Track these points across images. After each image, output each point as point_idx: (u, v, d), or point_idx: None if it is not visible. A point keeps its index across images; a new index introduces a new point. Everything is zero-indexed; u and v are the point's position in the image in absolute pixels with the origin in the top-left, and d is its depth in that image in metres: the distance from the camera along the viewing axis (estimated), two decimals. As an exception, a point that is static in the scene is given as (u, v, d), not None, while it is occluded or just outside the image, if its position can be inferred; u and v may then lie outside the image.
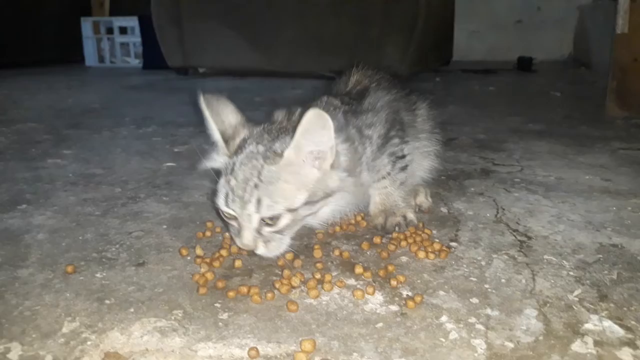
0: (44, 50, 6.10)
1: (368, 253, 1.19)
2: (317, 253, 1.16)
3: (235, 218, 1.10)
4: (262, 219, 1.08)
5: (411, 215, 1.31)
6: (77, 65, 6.32)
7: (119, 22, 6.30)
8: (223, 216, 1.13)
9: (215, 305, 0.97)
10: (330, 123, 1.04)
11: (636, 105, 2.84)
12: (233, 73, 4.78)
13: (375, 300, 0.99)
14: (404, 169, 1.34)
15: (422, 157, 1.46)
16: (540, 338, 0.87)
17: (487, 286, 1.04)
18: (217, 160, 1.18)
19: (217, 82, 4.49)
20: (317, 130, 1.05)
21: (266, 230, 1.09)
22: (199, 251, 1.17)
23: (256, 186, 1.06)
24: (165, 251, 1.20)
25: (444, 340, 0.87)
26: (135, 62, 6.32)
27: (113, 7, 6.82)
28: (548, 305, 0.97)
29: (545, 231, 1.31)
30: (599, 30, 4.87)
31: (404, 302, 0.98)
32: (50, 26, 6.12)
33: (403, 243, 1.21)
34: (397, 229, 1.28)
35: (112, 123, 2.71)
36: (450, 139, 2.28)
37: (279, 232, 1.11)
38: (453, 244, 1.24)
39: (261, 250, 1.10)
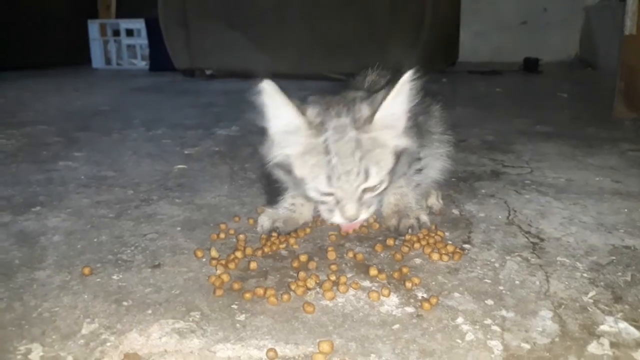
0: (51, 53, 6.13)
1: (382, 255, 1.20)
2: (331, 255, 1.17)
3: (330, 195, 1.13)
4: (366, 187, 1.12)
5: (424, 218, 1.31)
6: (84, 67, 6.35)
7: (125, 24, 6.33)
8: (311, 197, 1.16)
9: (232, 306, 0.98)
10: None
11: (645, 107, 2.84)
12: (240, 75, 4.79)
13: (391, 302, 0.99)
14: (419, 171, 1.35)
15: (435, 158, 1.47)
16: (557, 339, 0.88)
17: (501, 288, 1.05)
18: (296, 143, 1.14)
19: (224, 83, 4.50)
20: (405, 92, 1.10)
21: (367, 196, 1.14)
22: (214, 253, 1.18)
23: (361, 158, 1.09)
24: (180, 253, 1.21)
25: (460, 341, 0.87)
26: (142, 64, 6.34)
27: (120, 9, 6.86)
28: (563, 306, 0.98)
29: (558, 233, 1.32)
30: (606, 31, 4.87)
31: (419, 303, 0.98)
32: (56, 28, 6.15)
33: (416, 245, 1.21)
34: (410, 231, 1.29)
35: (121, 125, 2.73)
36: (459, 141, 2.27)
37: (379, 195, 1.17)
38: (466, 246, 1.24)
39: (363, 216, 1.15)
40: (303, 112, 1.12)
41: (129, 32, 6.38)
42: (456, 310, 0.96)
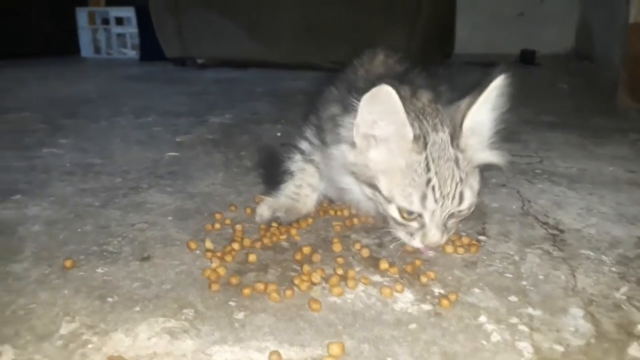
0: (38, 42, 5.94)
1: (391, 247, 1.10)
2: (337, 247, 1.08)
3: (414, 219, 1.01)
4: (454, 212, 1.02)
5: None
6: (72, 57, 6.18)
7: (115, 12, 6.16)
8: (392, 217, 1.03)
9: (230, 303, 0.88)
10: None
11: (649, 98, 2.77)
12: (232, 64, 4.67)
13: (405, 299, 0.90)
14: None
15: None
16: (592, 341, 0.79)
17: (524, 283, 0.96)
18: (396, 151, 1.00)
19: (216, 73, 4.38)
20: (493, 99, 1.00)
21: (451, 222, 1.04)
22: (208, 244, 1.07)
23: (460, 180, 1.00)
24: (171, 244, 1.11)
25: (485, 343, 0.78)
26: (132, 53, 6.18)
27: (109, -3, 6.69)
28: (594, 304, 0.89)
29: (577, 224, 1.23)
30: (603, 23, 4.79)
31: (437, 300, 0.89)
32: (44, 17, 5.97)
33: (429, 236, 1.12)
34: None
35: (109, 113, 2.61)
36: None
37: (462, 218, 1.07)
38: (482, 237, 1.15)
39: (444, 239, 1.03)
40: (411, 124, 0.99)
41: (119, 21, 6.21)
42: (478, 308, 0.87)
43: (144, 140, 2.04)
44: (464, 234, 1.15)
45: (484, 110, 1.01)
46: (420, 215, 1.00)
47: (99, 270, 0.99)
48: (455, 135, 1.01)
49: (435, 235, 1.00)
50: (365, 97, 0.95)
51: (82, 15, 6.20)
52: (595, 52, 5.01)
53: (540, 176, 1.60)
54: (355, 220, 1.22)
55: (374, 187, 1.03)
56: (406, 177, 0.99)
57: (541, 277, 0.98)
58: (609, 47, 4.38)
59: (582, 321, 0.84)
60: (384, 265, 0.99)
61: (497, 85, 0.99)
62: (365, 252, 1.06)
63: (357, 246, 1.08)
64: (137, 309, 0.86)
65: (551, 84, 3.80)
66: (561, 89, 3.57)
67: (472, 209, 1.06)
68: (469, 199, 1.01)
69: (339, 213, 1.28)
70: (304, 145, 1.25)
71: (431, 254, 1.07)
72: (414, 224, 1.02)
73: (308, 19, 4.45)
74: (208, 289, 0.92)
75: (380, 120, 0.98)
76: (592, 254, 1.08)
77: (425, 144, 0.99)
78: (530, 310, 0.87)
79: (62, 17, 6.11)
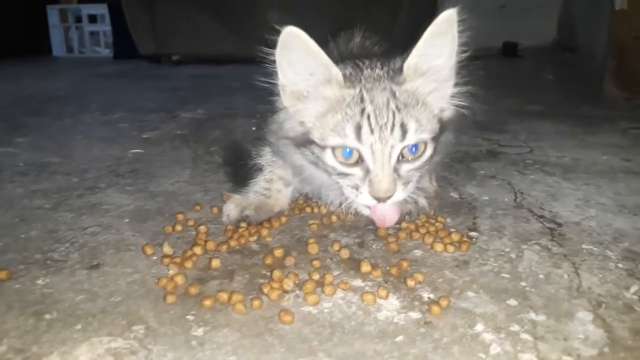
0: (7, 41, 5.71)
1: (374, 247, 0.99)
2: (313, 248, 0.96)
3: (356, 164, 0.90)
4: (401, 154, 0.90)
5: (423, 202, 1.11)
6: (44, 56, 5.97)
7: (87, 9, 5.96)
8: (331, 166, 0.92)
9: (187, 317, 0.76)
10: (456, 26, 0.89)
11: (636, 86, 2.69)
12: (208, 60, 4.52)
13: (391, 306, 0.78)
14: None
15: None
16: (606, 350, 0.69)
17: (523, 284, 0.85)
18: (326, 94, 0.92)
19: (192, 69, 4.23)
20: (445, 34, 0.89)
21: (404, 168, 0.91)
22: (167, 249, 0.95)
23: (398, 109, 0.89)
24: (125, 250, 0.98)
25: (484, 356, 0.67)
26: (106, 52, 5.99)
27: (81, -6, 6.48)
28: (603, 306, 0.78)
29: (575, 217, 1.13)
30: (586, 13, 4.74)
31: (426, 307, 0.78)
32: (13, 15, 5.75)
33: (415, 235, 1.01)
34: (407, 218, 1.08)
35: (75, 110, 2.45)
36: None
37: (419, 169, 0.93)
38: (473, 233, 1.04)
39: (399, 195, 0.91)
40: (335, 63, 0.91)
41: (92, 18, 6.01)
42: (473, 314, 0.76)
43: (108, 137, 1.90)
44: (453, 229, 1.04)
45: (431, 48, 0.90)
46: (361, 158, 0.89)
47: (39, 281, 0.86)
48: (395, 72, 0.92)
49: (383, 181, 0.88)
50: (277, 49, 0.87)
51: (53, 14, 5.99)
52: (579, 43, 4.96)
53: (531, 166, 1.50)
54: (334, 218, 1.10)
55: (310, 143, 0.93)
56: (338, 113, 0.90)
57: (541, 276, 0.87)
58: (593, 37, 4.32)
59: (592, 327, 0.74)
60: (365, 267, 0.88)
61: (442, 20, 0.88)
62: (344, 253, 0.94)
63: (336, 247, 0.97)
64: (79, 327, 0.74)
65: (536, 76, 3.73)
66: (546, 80, 3.50)
67: (432, 158, 0.95)
68: (414, 133, 0.89)
69: (315, 210, 1.16)
70: (272, 137, 1.12)
71: (389, 222, 0.94)
72: (357, 171, 0.91)
73: (287, 13, 4.32)
74: (163, 301, 0.79)
75: (300, 70, 0.90)
76: (595, 249, 0.97)
77: (359, 80, 0.91)
78: (532, 315, 0.76)
79: (33, 15, 5.90)
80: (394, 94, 0.89)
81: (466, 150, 1.67)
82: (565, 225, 1.09)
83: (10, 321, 0.75)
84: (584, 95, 2.80)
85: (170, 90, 3.10)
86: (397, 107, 0.89)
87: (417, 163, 0.92)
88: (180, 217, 1.11)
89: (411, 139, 0.89)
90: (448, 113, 0.96)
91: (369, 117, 0.88)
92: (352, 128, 0.88)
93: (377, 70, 0.93)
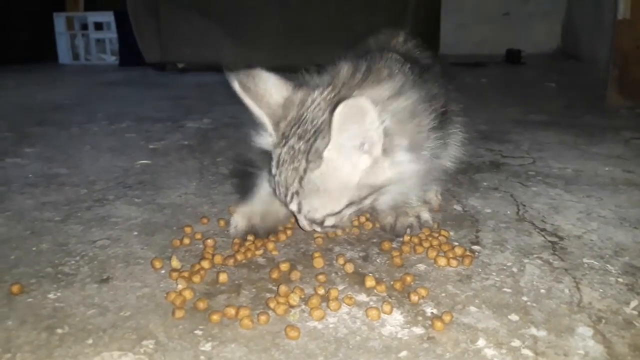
0: (14, 48, 5.76)
1: (378, 260, 1.01)
2: (318, 262, 0.97)
3: None
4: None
5: (426, 215, 1.12)
6: (50, 63, 6.01)
7: (93, 17, 6.00)
8: None
9: (196, 332, 0.77)
10: (369, 108, 0.86)
11: (639, 94, 2.70)
12: (213, 68, 4.55)
13: (394, 321, 0.80)
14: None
15: (447, 145, 1.25)
16: (605, 366, 0.70)
17: (525, 299, 0.86)
18: (267, 141, 1.03)
19: (197, 77, 4.26)
20: (355, 123, 0.88)
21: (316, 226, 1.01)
22: (175, 263, 0.97)
23: (297, 193, 0.96)
24: (134, 263, 1.00)
25: (485, 371, 0.69)
26: (112, 59, 6.04)
27: (88, 1, 6.52)
28: (603, 321, 0.80)
29: (577, 230, 1.14)
30: (589, 21, 4.76)
31: (429, 322, 0.79)
32: (20, 22, 5.80)
33: (419, 248, 1.02)
34: (409, 231, 1.10)
35: (82, 119, 2.48)
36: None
37: (332, 226, 1.01)
38: (476, 247, 1.06)
39: (320, 230, 1.02)
40: (288, 110, 1.00)
41: (98, 26, 6.06)
42: (475, 330, 0.78)
43: (115, 147, 1.93)
44: (456, 243, 1.06)
45: (339, 138, 0.89)
46: None
47: (51, 295, 0.88)
48: (316, 154, 0.93)
49: (301, 223, 1.02)
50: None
51: (59, 21, 6.03)
52: (582, 50, 4.98)
53: (534, 178, 1.51)
54: (339, 232, 1.12)
55: None
56: (273, 163, 1.00)
57: (543, 291, 0.89)
58: (596, 45, 4.34)
59: (592, 342, 0.75)
60: (370, 282, 0.89)
61: (340, 116, 0.86)
62: (349, 267, 0.96)
63: (341, 260, 0.98)
64: (90, 341, 0.76)
65: (539, 83, 3.74)
66: (549, 88, 3.51)
67: (337, 222, 1.00)
68: (308, 213, 0.98)
69: (321, 223, 1.18)
70: None
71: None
72: None
73: (291, 20, 4.35)
74: (172, 316, 0.81)
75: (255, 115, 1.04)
76: (596, 263, 0.99)
77: (286, 141, 0.97)
78: (533, 330, 0.78)
79: (40, 23, 5.95)
80: (301, 178, 0.94)
81: (469, 161, 1.68)
82: (566, 238, 1.10)
83: (23, 335, 0.77)
84: (586, 103, 2.81)
85: (176, 98, 3.13)
86: (297, 191, 0.96)
87: (323, 226, 1.00)
88: (187, 230, 1.13)
89: (305, 215, 0.98)
90: (381, 176, 0.95)
91: (278, 184, 0.98)
92: (274, 184, 1.00)
93: (300, 143, 0.95)
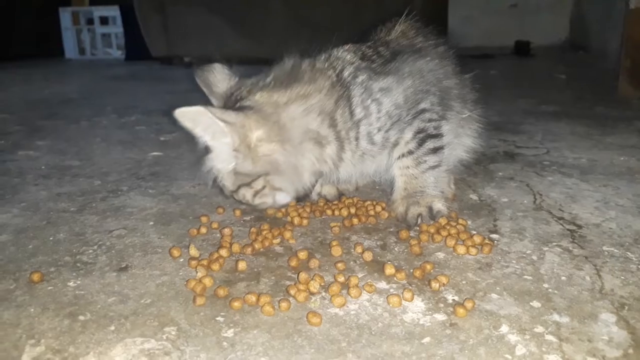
0: (21, 44, 5.78)
1: (396, 249, 1.00)
2: (336, 251, 0.97)
3: None
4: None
5: (439, 205, 1.12)
6: (56, 58, 6.03)
7: (99, 12, 6.02)
8: None
9: (217, 319, 0.77)
10: (203, 112, 0.98)
11: (652, 85, 2.68)
12: (220, 62, 4.55)
13: (416, 308, 0.80)
14: (436, 150, 1.13)
15: (461, 135, 1.26)
16: (630, 351, 0.69)
17: (546, 286, 0.86)
18: None
19: (204, 71, 4.25)
20: (199, 124, 1.02)
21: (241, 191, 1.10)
22: (193, 252, 0.97)
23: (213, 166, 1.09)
24: (152, 252, 1.00)
25: (510, 357, 0.68)
26: (118, 53, 6.05)
27: (93, -4, 6.53)
28: (627, 307, 0.79)
29: (595, 218, 1.13)
30: (598, 12, 4.72)
31: (451, 309, 0.79)
32: (26, 18, 5.81)
33: (437, 237, 1.02)
34: (419, 220, 1.09)
35: (91, 113, 2.49)
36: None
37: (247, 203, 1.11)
38: (494, 236, 1.05)
39: (260, 203, 1.11)
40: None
41: (104, 20, 6.08)
42: (497, 316, 0.77)
43: (126, 140, 1.93)
44: (474, 232, 1.05)
45: (199, 133, 1.04)
46: None
47: (71, 283, 0.89)
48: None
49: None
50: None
51: (65, 16, 6.05)
52: (591, 41, 4.93)
53: (549, 168, 1.50)
54: (355, 221, 1.12)
55: None
56: None
57: (564, 278, 0.88)
58: (606, 36, 4.31)
59: (616, 328, 0.74)
60: (389, 270, 0.89)
61: (181, 120, 1.03)
62: (367, 256, 0.95)
63: (359, 249, 0.98)
64: (112, 328, 0.76)
65: (548, 75, 3.72)
66: (559, 79, 3.49)
67: (247, 195, 1.08)
68: (223, 185, 1.09)
69: (336, 213, 1.18)
70: None
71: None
72: None
73: (298, 14, 4.34)
74: (192, 303, 0.81)
75: None
76: (616, 250, 0.98)
77: None
78: (556, 317, 0.77)
79: (46, 18, 5.96)
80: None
81: (483, 151, 1.67)
82: (585, 227, 1.09)
83: (47, 322, 0.77)
84: (597, 94, 2.79)
85: (184, 92, 3.12)
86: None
87: (238, 197, 1.09)
88: (204, 219, 1.13)
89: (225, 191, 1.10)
90: (247, 166, 1.04)
91: None
92: None
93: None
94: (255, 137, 1.03)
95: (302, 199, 1.19)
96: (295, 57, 1.13)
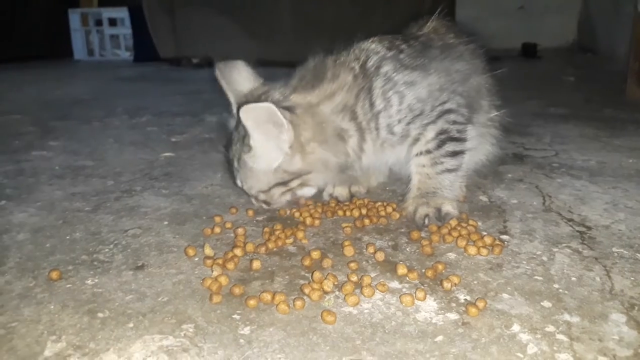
0: (30, 45, 5.82)
1: (408, 249, 1.01)
2: (349, 251, 0.99)
3: None
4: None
5: (448, 208, 1.12)
6: (65, 59, 6.07)
7: (108, 13, 6.05)
8: None
9: (234, 316, 0.79)
10: (269, 108, 1.01)
11: (660, 87, 2.68)
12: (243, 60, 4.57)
13: (429, 307, 0.81)
14: (456, 154, 1.13)
15: (483, 139, 1.27)
16: (641, 351, 0.70)
17: (556, 286, 0.87)
18: (232, 123, 1.21)
19: (211, 72, 4.28)
20: (262, 121, 1.02)
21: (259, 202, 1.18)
22: (208, 251, 0.99)
23: (237, 170, 1.14)
24: (168, 251, 1.02)
25: (522, 355, 0.70)
26: (126, 54, 6.08)
27: (102, -3, 6.57)
28: (636, 308, 0.80)
29: (604, 220, 1.14)
30: (607, 14, 4.71)
31: (463, 308, 0.80)
32: (36, 19, 5.86)
33: (448, 238, 1.03)
34: (426, 221, 1.10)
35: (103, 114, 2.51)
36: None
37: (267, 202, 1.16)
38: (504, 237, 1.06)
39: (265, 206, 1.18)
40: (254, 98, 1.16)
41: (112, 22, 6.11)
42: (509, 316, 0.79)
43: (138, 141, 1.95)
44: (485, 233, 1.07)
45: (255, 133, 1.05)
46: None
47: (89, 281, 0.90)
48: (246, 145, 1.09)
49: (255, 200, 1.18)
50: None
51: (74, 17, 6.08)
52: (599, 44, 4.92)
53: (558, 170, 1.51)
54: (367, 221, 1.13)
55: None
56: None
57: (574, 279, 0.89)
58: (614, 38, 4.30)
59: (626, 328, 0.75)
60: (401, 270, 0.90)
61: (245, 118, 1.02)
62: (380, 256, 0.97)
63: (371, 249, 1.00)
64: (131, 325, 0.77)
65: (556, 77, 3.72)
66: (567, 82, 3.49)
67: (270, 198, 1.15)
68: (246, 188, 1.15)
69: (348, 214, 1.19)
70: None
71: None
72: None
73: (307, 15, 4.36)
74: (209, 301, 0.83)
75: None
76: (625, 252, 0.99)
77: (236, 127, 1.15)
78: (567, 316, 0.78)
79: (55, 19, 6.00)
80: (239, 158, 1.12)
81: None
82: (594, 228, 1.10)
83: (67, 319, 0.79)
84: (605, 97, 2.79)
85: (193, 93, 3.15)
86: (236, 168, 1.14)
87: (260, 201, 1.16)
88: (217, 219, 1.15)
89: (247, 190, 1.16)
90: (295, 165, 1.09)
91: (228, 160, 1.18)
92: None
93: (239, 130, 1.11)
94: (305, 136, 1.07)
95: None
96: (318, 56, 1.15)
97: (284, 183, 1.11)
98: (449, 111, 1.11)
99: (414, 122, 1.11)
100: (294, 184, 1.12)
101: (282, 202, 1.16)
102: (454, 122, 1.12)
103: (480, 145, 1.26)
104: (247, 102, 1.07)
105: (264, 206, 1.18)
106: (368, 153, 1.13)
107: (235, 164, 1.14)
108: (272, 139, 1.05)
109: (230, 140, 1.17)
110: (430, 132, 1.11)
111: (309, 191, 1.16)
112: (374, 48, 1.13)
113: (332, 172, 1.13)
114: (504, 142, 1.33)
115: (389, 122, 1.10)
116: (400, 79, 1.09)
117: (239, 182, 1.16)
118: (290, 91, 1.11)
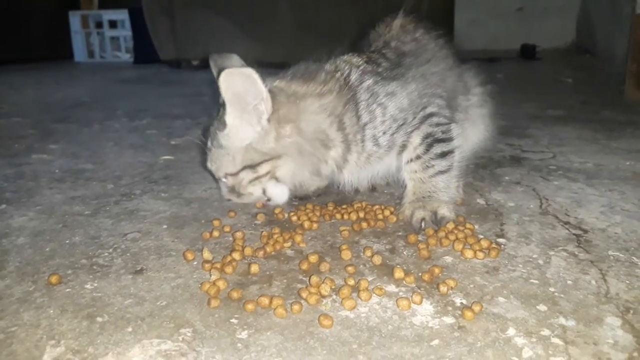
0: (31, 47, 5.84)
1: (405, 253, 1.02)
2: (346, 254, 0.99)
3: None
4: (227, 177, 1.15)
5: (444, 211, 1.13)
6: (66, 61, 6.08)
7: (108, 15, 6.07)
8: None
9: (232, 321, 0.80)
10: (250, 75, 1.01)
11: (658, 89, 2.69)
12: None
13: (425, 311, 0.82)
14: (445, 155, 1.15)
15: (471, 125, 1.32)
16: (635, 354, 0.71)
17: (552, 289, 0.88)
18: None
19: (212, 74, 4.29)
20: (241, 88, 1.02)
21: (230, 182, 1.15)
22: (206, 255, 0.99)
23: (209, 149, 1.16)
24: (167, 255, 1.02)
25: (517, 359, 0.70)
26: (126, 56, 6.10)
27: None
28: (632, 312, 0.81)
29: (601, 223, 1.15)
30: (605, 16, 4.72)
31: (459, 312, 0.81)
32: (36, 21, 5.87)
33: (445, 241, 1.04)
34: (422, 225, 1.11)
35: (103, 116, 2.52)
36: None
37: (236, 191, 1.15)
38: (501, 240, 1.07)
39: (234, 200, 1.19)
40: None
41: (112, 24, 6.13)
42: (504, 319, 0.79)
43: (138, 144, 1.96)
44: (481, 236, 1.07)
45: (232, 103, 1.06)
46: None
47: (88, 285, 0.91)
48: (221, 123, 1.10)
49: (222, 190, 1.20)
50: None
51: (75, 19, 6.10)
52: (597, 45, 4.94)
53: (555, 172, 1.52)
54: (364, 225, 1.14)
55: None
56: None
57: (570, 282, 0.90)
58: (612, 40, 4.31)
59: (621, 332, 0.76)
60: (398, 273, 0.91)
61: (224, 83, 1.02)
62: (377, 260, 0.97)
63: (368, 253, 1.00)
64: (130, 329, 0.78)
65: (555, 78, 3.73)
66: (565, 83, 3.50)
67: (239, 185, 1.14)
68: (216, 170, 1.16)
69: (345, 217, 1.20)
70: None
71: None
72: None
73: (306, 17, 4.37)
74: (207, 305, 0.83)
75: None
76: (621, 255, 1.00)
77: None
78: (562, 320, 0.79)
79: (55, 21, 6.02)
80: (213, 137, 1.13)
81: (490, 155, 1.70)
82: (591, 231, 1.11)
83: (66, 323, 0.80)
84: (604, 98, 2.80)
85: (193, 95, 3.16)
86: (209, 148, 1.15)
87: (228, 186, 1.15)
88: (216, 223, 1.15)
89: (215, 172, 1.16)
90: (269, 142, 1.09)
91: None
92: None
93: (220, 110, 1.12)
94: (283, 114, 1.08)
95: (302, 199, 1.26)
96: (309, 62, 1.18)
97: (252, 167, 1.10)
98: (430, 115, 1.14)
99: (398, 132, 1.13)
100: (262, 169, 1.11)
101: (251, 197, 1.16)
102: (437, 125, 1.14)
103: (470, 131, 1.30)
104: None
105: (234, 199, 1.17)
106: (352, 165, 1.15)
107: (209, 143, 1.16)
108: (248, 113, 1.05)
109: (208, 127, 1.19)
110: (416, 138, 1.14)
111: (279, 192, 1.14)
112: (355, 62, 1.17)
113: (303, 172, 1.14)
114: (497, 116, 1.35)
115: (374, 134, 1.12)
116: (381, 91, 1.13)
117: (208, 164, 1.17)
118: (277, 79, 1.14)
